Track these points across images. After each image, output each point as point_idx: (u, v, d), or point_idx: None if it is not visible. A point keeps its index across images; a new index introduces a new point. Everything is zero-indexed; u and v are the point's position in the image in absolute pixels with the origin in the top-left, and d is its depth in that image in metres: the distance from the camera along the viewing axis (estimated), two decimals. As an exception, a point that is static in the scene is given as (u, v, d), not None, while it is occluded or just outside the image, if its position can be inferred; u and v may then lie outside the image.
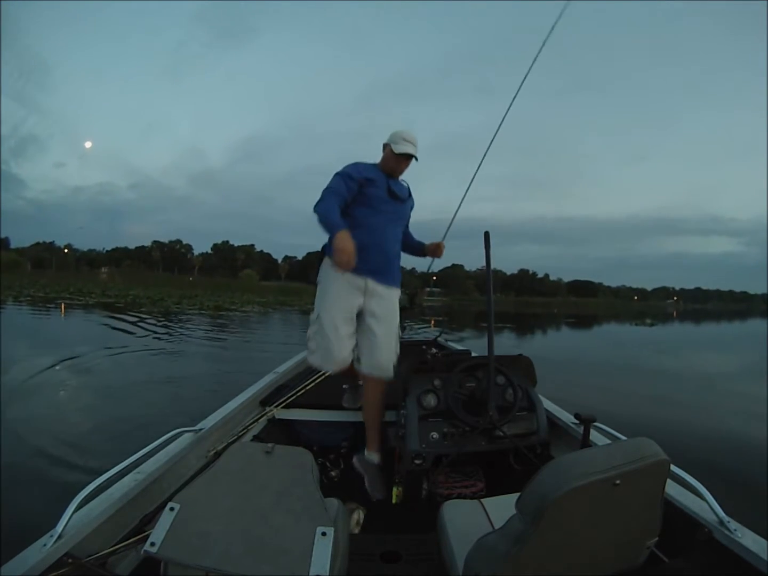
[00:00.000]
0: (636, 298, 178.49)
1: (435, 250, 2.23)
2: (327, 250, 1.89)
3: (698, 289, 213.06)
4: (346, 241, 1.55)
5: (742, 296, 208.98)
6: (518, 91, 2.15)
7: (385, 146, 1.95)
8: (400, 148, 1.86)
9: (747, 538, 1.00)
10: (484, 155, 2.26)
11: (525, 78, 2.13)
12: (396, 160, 1.90)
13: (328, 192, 1.76)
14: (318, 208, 1.71)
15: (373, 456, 1.89)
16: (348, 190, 1.79)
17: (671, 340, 17.07)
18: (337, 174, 1.83)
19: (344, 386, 2.29)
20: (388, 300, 1.91)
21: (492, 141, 2.25)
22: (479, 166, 2.30)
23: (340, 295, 1.83)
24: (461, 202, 2.37)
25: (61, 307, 16.35)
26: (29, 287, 28.06)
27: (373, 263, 1.83)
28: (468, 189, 2.34)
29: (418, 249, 2.26)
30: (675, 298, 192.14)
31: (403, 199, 1.98)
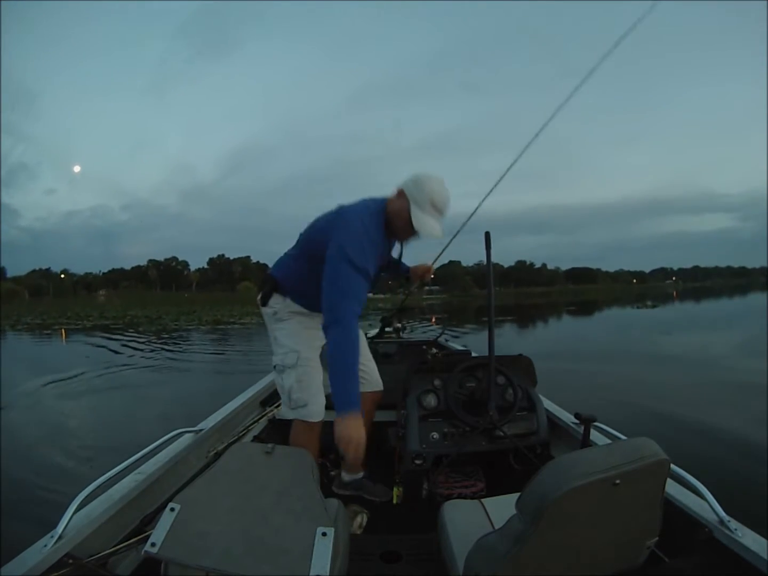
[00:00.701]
0: (635, 280, 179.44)
1: (423, 275, 1.91)
2: (282, 278, 1.53)
3: (696, 267, 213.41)
4: (359, 429, 1.15)
5: (741, 271, 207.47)
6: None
7: (400, 194, 1.40)
8: (423, 225, 1.33)
9: (747, 538, 1.00)
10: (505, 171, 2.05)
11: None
12: (410, 229, 1.38)
13: (352, 312, 1.26)
14: (340, 337, 1.22)
15: (359, 473, 1.86)
16: None
17: (673, 321, 17.24)
18: (352, 265, 1.27)
19: (332, 473, 1.99)
20: None
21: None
22: (498, 182, 2.09)
23: (315, 333, 1.53)
24: (471, 215, 2.15)
25: (61, 333, 16.46)
26: (27, 315, 28.08)
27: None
28: (481, 203, 2.13)
29: (398, 272, 1.88)
30: (674, 278, 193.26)
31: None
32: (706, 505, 1.11)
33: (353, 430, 1.13)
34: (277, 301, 1.55)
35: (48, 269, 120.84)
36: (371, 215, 1.38)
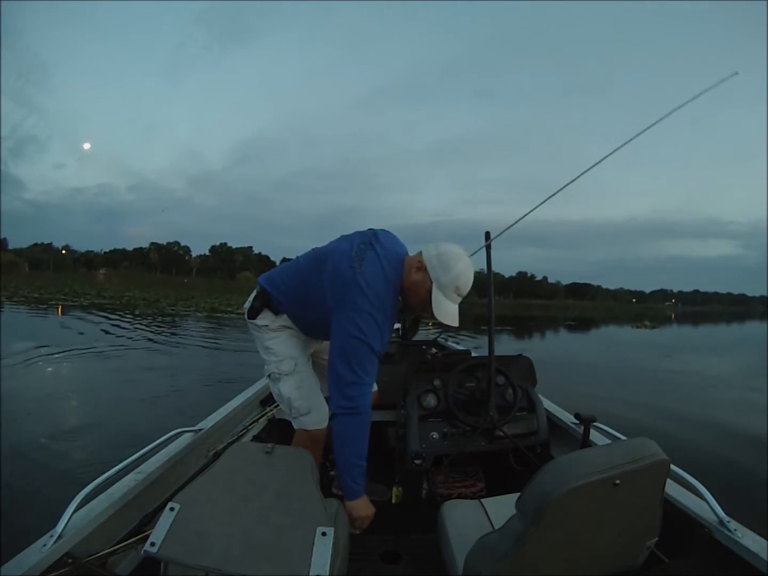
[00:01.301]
0: (634, 300, 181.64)
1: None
2: (276, 299, 1.44)
3: (696, 291, 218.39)
4: (370, 507, 1.24)
5: (741, 298, 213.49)
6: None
7: (420, 267, 1.26)
8: (443, 312, 1.22)
9: (747, 538, 1.00)
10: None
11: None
12: (425, 308, 1.29)
13: (368, 398, 1.22)
14: (355, 428, 1.20)
15: None
16: None
17: (673, 344, 17.24)
18: (370, 348, 1.21)
19: (332, 473, 1.98)
20: None
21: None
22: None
23: (307, 343, 1.54)
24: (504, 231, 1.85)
25: (58, 309, 16.39)
26: (25, 288, 28.36)
27: None
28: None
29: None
30: (673, 300, 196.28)
31: None
32: (705, 506, 1.11)
33: (366, 510, 1.23)
34: (267, 316, 1.47)
35: (50, 244, 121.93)
36: (387, 284, 1.26)
